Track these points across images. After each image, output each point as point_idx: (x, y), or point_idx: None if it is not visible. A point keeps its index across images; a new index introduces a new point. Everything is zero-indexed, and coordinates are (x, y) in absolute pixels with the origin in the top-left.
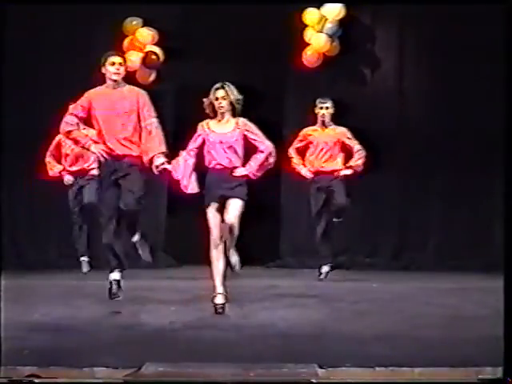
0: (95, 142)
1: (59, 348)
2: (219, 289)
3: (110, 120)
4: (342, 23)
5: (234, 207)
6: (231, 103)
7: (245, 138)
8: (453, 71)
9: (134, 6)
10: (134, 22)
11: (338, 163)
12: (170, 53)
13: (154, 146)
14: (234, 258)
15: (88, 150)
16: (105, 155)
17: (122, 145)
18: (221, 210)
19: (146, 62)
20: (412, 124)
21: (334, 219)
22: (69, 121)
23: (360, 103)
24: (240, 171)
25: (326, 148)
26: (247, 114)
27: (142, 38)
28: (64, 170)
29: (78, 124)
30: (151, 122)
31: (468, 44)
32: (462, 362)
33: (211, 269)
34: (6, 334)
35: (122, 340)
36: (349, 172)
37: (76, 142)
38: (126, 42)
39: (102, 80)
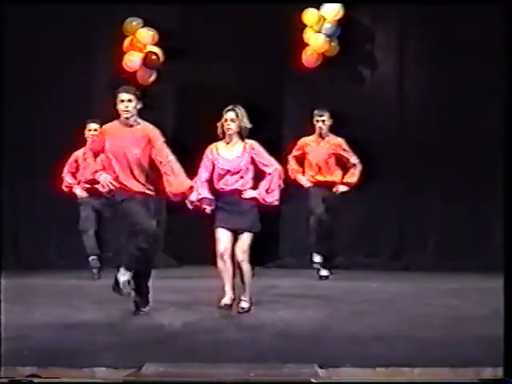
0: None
1: (59, 348)
2: (228, 292)
3: (121, 162)
4: (340, 23)
5: (243, 242)
6: (240, 127)
7: (253, 160)
8: (452, 71)
9: (134, 7)
10: (135, 23)
11: (335, 176)
12: (170, 53)
13: (178, 183)
14: (245, 304)
15: (96, 178)
16: (111, 186)
17: (134, 186)
18: (231, 230)
19: (146, 62)
20: (412, 124)
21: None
22: (87, 154)
23: (359, 104)
24: (249, 193)
25: (322, 160)
26: (247, 113)
27: (143, 38)
28: (79, 183)
29: (93, 157)
30: (167, 160)
31: (468, 44)
32: (462, 362)
33: (221, 276)
34: (6, 334)
35: (122, 340)
36: (345, 188)
37: (87, 167)
38: (126, 43)
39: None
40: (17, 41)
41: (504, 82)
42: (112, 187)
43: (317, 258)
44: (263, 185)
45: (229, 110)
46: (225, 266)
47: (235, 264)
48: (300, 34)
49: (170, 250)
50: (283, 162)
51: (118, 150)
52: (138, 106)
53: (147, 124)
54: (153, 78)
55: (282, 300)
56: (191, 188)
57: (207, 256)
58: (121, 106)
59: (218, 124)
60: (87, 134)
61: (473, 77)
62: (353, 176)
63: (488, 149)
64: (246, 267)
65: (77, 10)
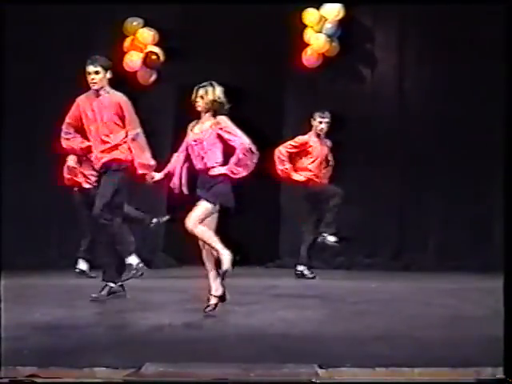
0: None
1: (59, 348)
2: (212, 290)
3: (94, 129)
4: (341, 23)
5: (195, 210)
6: (209, 103)
7: (219, 136)
8: (453, 71)
9: (134, 7)
10: (135, 23)
11: (326, 177)
12: (170, 53)
13: (144, 158)
14: (225, 258)
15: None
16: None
17: (105, 152)
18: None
19: (146, 62)
20: (412, 124)
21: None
22: (65, 129)
23: (359, 103)
24: (218, 169)
25: (319, 160)
26: (247, 114)
27: (143, 38)
28: (84, 177)
29: (74, 132)
30: (134, 133)
31: (468, 44)
32: (462, 362)
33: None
34: (6, 334)
35: (122, 340)
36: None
37: (73, 150)
38: (126, 42)
39: None
40: (17, 41)
41: (504, 82)
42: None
43: (300, 268)
44: (232, 160)
45: (200, 87)
46: (205, 256)
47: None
48: (300, 34)
49: (169, 249)
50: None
51: (90, 120)
52: (108, 76)
53: (117, 93)
54: (153, 77)
55: (282, 300)
56: (149, 167)
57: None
58: (88, 78)
59: (191, 101)
60: None
61: (473, 76)
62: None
63: (488, 148)
64: (197, 231)
65: (77, 10)
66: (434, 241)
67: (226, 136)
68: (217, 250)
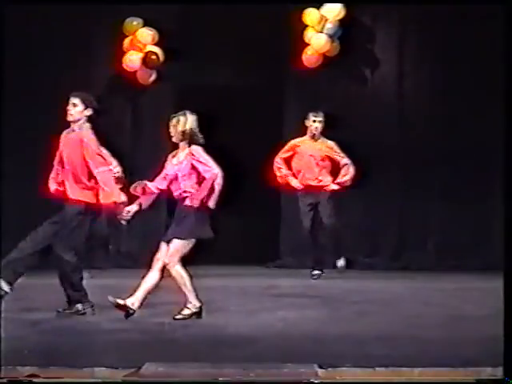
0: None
1: (59, 348)
2: (137, 296)
3: (65, 167)
4: (342, 23)
5: (170, 247)
6: (181, 133)
7: (194, 167)
8: (453, 71)
9: (134, 7)
10: (135, 23)
11: (326, 178)
12: (170, 53)
13: (108, 195)
14: (186, 311)
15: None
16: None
17: (75, 191)
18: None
19: (146, 62)
20: (412, 124)
21: (339, 265)
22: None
23: (360, 103)
24: (188, 201)
25: (314, 161)
26: (246, 114)
27: (143, 38)
28: None
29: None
30: (99, 171)
31: (468, 45)
32: (462, 362)
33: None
34: (6, 334)
35: (123, 340)
36: (336, 187)
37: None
38: (126, 42)
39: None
40: (16, 41)
41: (504, 82)
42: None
43: (315, 271)
44: (200, 188)
45: (173, 117)
46: (148, 273)
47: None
48: (301, 33)
49: None
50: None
51: (63, 156)
52: (86, 113)
53: (86, 130)
54: (153, 77)
55: (282, 300)
56: (121, 203)
57: (205, 256)
58: (68, 109)
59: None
60: None
61: (473, 77)
62: (345, 176)
63: (488, 149)
64: (173, 272)
65: (77, 9)
66: (434, 241)
67: (198, 166)
68: (187, 298)
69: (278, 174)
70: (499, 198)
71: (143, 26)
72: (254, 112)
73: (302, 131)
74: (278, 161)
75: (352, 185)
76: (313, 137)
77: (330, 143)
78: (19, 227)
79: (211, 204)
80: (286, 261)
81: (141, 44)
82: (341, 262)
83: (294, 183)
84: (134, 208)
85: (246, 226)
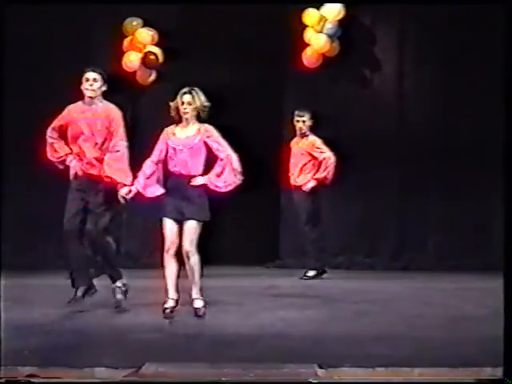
0: (76, 159)
1: (59, 348)
2: (170, 293)
3: (83, 139)
4: (341, 24)
5: (190, 231)
6: (197, 109)
7: (206, 145)
8: (453, 71)
9: (133, 7)
10: (134, 23)
11: (305, 176)
12: (169, 53)
13: (122, 174)
14: (199, 303)
15: (67, 165)
16: (79, 173)
17: (93, 165)
18: (177, 220)
19: (145, 62)
20: (412, 124)
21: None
22: (50, 134)
23: (360, 104)
24: (198, 180)
25: (297, 160)
26: (246, 114)
27: (142, 38)
28: None
29: (58, 138)
30: (120, 143)
31: (468, 44)
32: (462, 362)
33: (163, 273)
34: (7, 334)
35: (123, 340)
36: (313, 184)
37: (56, 155)
38: (125, 42)
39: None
40: (16, 41)
41: (504, 83)
42: (80, 173)
43: (310, 273)
44: (214, 170)
45: (185, 93)
46: (168, 263)
47: (181, 260)
48: (301, 34)
49: None
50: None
51: (81, 129)
52: (103, 88)
53: (110, 104)
54: (152, 77)
55: (282, 300)
56: (124, 182)
57: (207, 255)
58: (85, 85)
59: (172, 106)
60: None
61: (473, 77)
62: (323, 172)
63: (488, 149)
64: (193, 259)
65: (76, 10)
66: (434, 241)
67: (214, 146)
68: (196, 289)
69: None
70: (499, 198)
71: (143, 26)
72: (253, 112)
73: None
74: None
75: (351, 184)
76: (300, 135)
77: (312, 139)
78: (19, 227)
79: (222, 185)
80: (285, 261)
81: (140, 44)
82: (310, 273)
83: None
84: (134, 189)
85: (246, 226)
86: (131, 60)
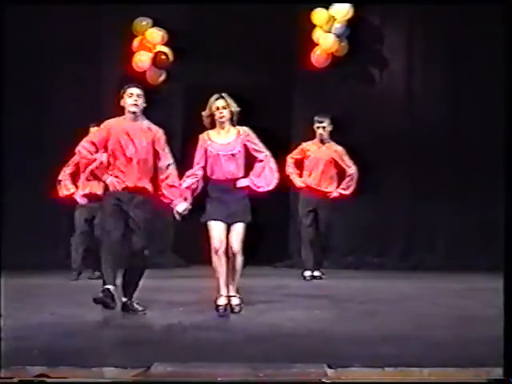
0: (111, 175)
1: (68, 348)
2: (223, 291)
3: (127, 153)
4: (350, 23)
5: (238, 233)
6: (231, 112)
7: (245, 147)
8: (462, 71)
9: (143, 7)
10: (144, 23)
11: (329, 183)
12: (179, 53)
13: (175, 193)
14: (236, 300)
15: (103, 181)
16: (118, 187)
17: (135, 178)
18: (224, 222)
19: (155, 62)
20: (420, 124)
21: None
22: (87, 147)
23: (368, 103)
24: (242, 182)
25: (321, 166)
26: (255, 114)
27: (152, 38)
28: (77, 190)
29: (95, 152)
30: (169, 163)
31: (477, 43)
32: (471, 363)
33: (215, 272)
34: (15, 334)
35: (131, 340)
36: (337, 195)
37: (87, 168)
38: (135, 42)
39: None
40: (24, 41)
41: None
42: (119, 188)
43: (307, 273)
44: (255, 171)
45: (217, 99)
46: (220, 263)
47: (229, 259)
48: (309, 33)
49: (178, 249)
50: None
51: (124, 144)
52: (143, 105)
53: (152, 124)
54: (162, 77)
55: (291, 300)
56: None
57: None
58: (129, 100)
59: (205, 114)
60: None
61: (482, 76)
62: (348, 188)
63: (497, 150)
64: (239, 259)
65: (86, 10)
66: (443, 241)
67: (253, 147)
68: (234, 282)
69: (287, 172)
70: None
71: (152, 26)
72: (262, 112)
73: (310, 131)
74: (288, 160)
75: (360, 185)
76: (321, 141)
77: (339, 149)
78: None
79: (264, 185)
80: (295, 261)
81: (150, 44)
82: (308, 273)
83: (297, 182)
84: (187, 206)
85: (255, 226)
86: (141, 60)
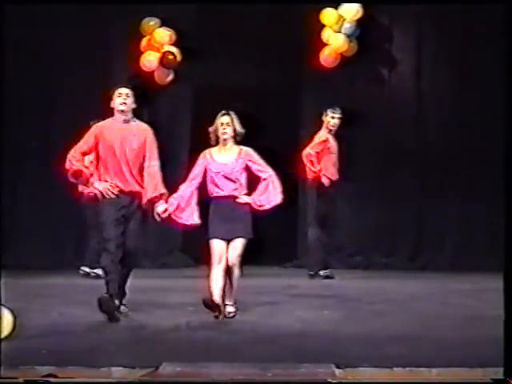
0: (99, 179)
1: (77, 348)
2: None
3: (117, 156)
4: (359, 23)
5: (237, 248)
6: (235, 130)
7: (247, 167)
8: (471, 71)
9: (151, 6)
10: (152, 22)
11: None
12: (187, 53)
13: (156, 189)
14: (231, 309)
15: (91, 186)
16: (109, 192)
17: (127, 181)
18: (225, 239)
19: (163, 62)
20: (429, 125)
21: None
22: (76, 157)
23: (377, 103)
24: (244, 198)
25: (335, 157)
26: (264, 115)
27: (160, 38)
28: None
29: (82, 160)
30: (153, 164)
31: (487, 44)
32: (480, 363)
33: (209, 283)
34: (23, 334)
35: (140, 340)
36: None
37: (78, 177)
38: (143, 42)
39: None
40: (33, 41)
41: None
42: (110, 192)
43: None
44: (258, 190)
45: (223, 115)
46: (218, 276)
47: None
48: (319, 33)
49: (187, 249)
50: (300, 161)
51: (114, 146)
52: (133, 106)
53: (143, 123)
54: (170, 77)
55: (300, 300)
56: (161, 196)
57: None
58: (118, 100)
59: (211, 130)
60: None
61: (492, 76)
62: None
63: (507, 149)
64: (236, 272)
65: (94, 10)
66: (451, 241)
67: (254, 167)
68: (231, 296)
69: (312, 168)
70: None
71: (160, 26)
72: (271, 112)
73: (319, 130)
74: (313, 154)
75: (369, 184)
76: (330, 132)
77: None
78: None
79: (265, 204)
80: (303, 261)
81: (158, 44)
82: (324, 272)
83: (324, 180)
84: (171, 208)
85: (263, 226)
86: (149, 60)
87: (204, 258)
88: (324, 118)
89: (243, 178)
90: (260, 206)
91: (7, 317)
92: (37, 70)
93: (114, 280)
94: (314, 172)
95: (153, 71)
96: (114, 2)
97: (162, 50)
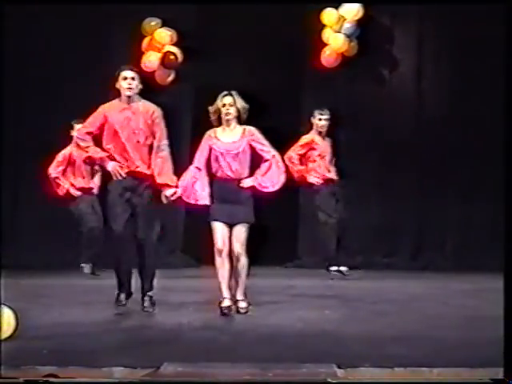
0: (111, 160)
1: (78, 348)
2: (225, 293)
3: (124, 137)
4: (360, 23)
5: (240, 234)
6: (238, 110)
7: (251, 147)
8: (472, 71)
9: (152, 7)
10: (153, 23)
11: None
12: (188, 53)
13: (166, 173)
14: (243, 304)
15: (104, 168)
16: (122, 174)
17: (136, 164)
18: (227, 223)
19: (164, 62)
20: (430, 125)
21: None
22: (83, 137)
23: (378, 103)
24: (247, 182)
25: (329, 157)
26: (264, 114)
27: (161, 38)
28: (71, 185)
29: (92, 140)
30: (165, 143)
31: (488, 44)
32: (481, 363)
33: (217, 275)
34: (25, 334)
35: (141, 340)
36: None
37: (90, 159)
38: (144, 43)
39: (117, 94)
40: (34, 42)
41: None
42: (122, 174)
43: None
44: (260, 171)
45: (225, 95)
46: (222, 264)
47: (232, 261)
48: (319, 33)
49: (188, 249)
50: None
51: (121, 127)
52: (140, 87)
53: (150, 103)
54: (171, 77)
55: (301, 300)
56: (171, 184)
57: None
58: (124, 84)
59: (211, 110)
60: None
61: (492, 76)
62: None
63: (507, 149)
64: (243, 261)
65: (95, 10)
66: (453, 241)
67: (258, 147)
68: (240, 285)
69: (294, 168)
70: None
71: (161, 26)
72: (272, 112)
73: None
74: (294, 156)
75: (370, 184)
76: (319, 134)
77: (330, 140)
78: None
79: (269, 185)
80: (304, 261)
81: (159, 44)
82: (342, 268)
83: (312, 180)
84: (178, 191)
85: (264, 226)
86: (150, 60)
87: (206, 258)
88: (312, 119)
89: (247, 159)
90: (263, 188)
91: (10, 317)
92: (37, 71)
93: (123, 271)
94: (297, 172)
95: (154, 71)
96: (114, 2)
97: (163, 51)
